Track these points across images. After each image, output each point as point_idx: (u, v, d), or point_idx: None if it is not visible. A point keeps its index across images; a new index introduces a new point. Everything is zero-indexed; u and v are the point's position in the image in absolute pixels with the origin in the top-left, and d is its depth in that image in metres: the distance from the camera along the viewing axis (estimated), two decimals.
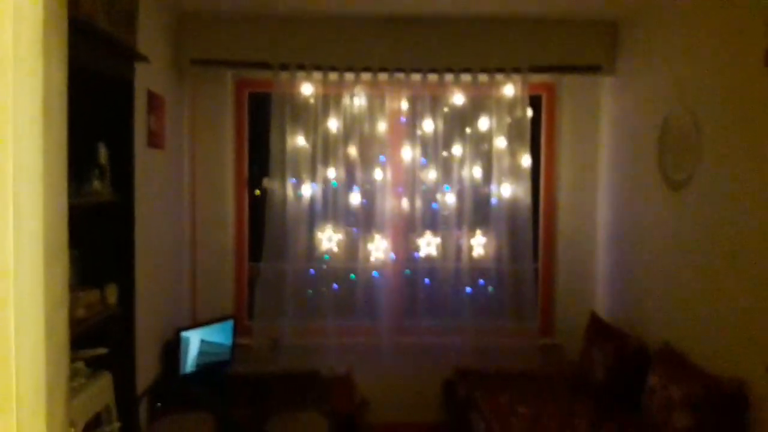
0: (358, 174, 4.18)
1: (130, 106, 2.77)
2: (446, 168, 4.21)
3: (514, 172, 4.16)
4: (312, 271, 4.24)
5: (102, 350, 2.43)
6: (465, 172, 4.18)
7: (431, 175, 4.22)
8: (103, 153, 2.59)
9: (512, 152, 4.15)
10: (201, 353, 3.81)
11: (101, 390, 2.42)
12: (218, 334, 3.95)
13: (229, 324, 4.02)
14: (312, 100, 4.11)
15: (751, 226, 2.66)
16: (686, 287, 3.19)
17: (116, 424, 2.48)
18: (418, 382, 4.30)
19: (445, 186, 4.21)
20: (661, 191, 3.45)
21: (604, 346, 3.60)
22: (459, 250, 4.24)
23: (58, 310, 1.08)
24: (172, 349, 3.67)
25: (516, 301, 4.25)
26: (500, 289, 4.25)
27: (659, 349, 3.22)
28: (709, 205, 2.99)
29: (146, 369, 3.32)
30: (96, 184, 2.51)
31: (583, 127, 4.34)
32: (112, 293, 2.63)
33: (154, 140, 3.48)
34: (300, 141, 4.14)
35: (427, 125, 4.17)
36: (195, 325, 3.92)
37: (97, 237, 2.67)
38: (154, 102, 3.47)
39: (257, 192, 4.42)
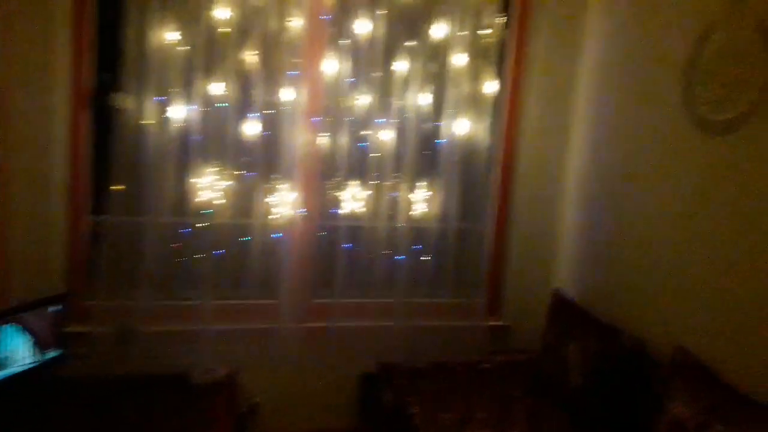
0: (258, 93, 2.76)
1: None
2: (383, 91, 2.88)
3: (474, 102, 2.92)
4: (185, 229, 2.81)
5: None
6: (409, 99, 2.88)
7: (362, 100, 2.88)
8: None
9: (473, 74, 2.89)
10: (14, 352, 2.34)
11: None
12: (42, 322, 2.47)
13: (58, 307, 2.55)
14: None
15: None
16: (706, 272, 2.18)
17: None
18: (327, 378, 3.10)
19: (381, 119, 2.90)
20: (685, 136, 2.36)
21: (581, 342, 2.57)
22: (394, 205, 2.99)
23: None
24: None
25: (462, 271, 3.14)
26: (444, 256, 3.08)
27: (676, 357, 2.18)
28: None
29: None
30: None
31: (562, 45, 3.15)
32: None
33: None
34: (170, 39, 2.63)
35: (360, 28, 2.81)
36: (6, 311, 2.40)
37: None
38: None
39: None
